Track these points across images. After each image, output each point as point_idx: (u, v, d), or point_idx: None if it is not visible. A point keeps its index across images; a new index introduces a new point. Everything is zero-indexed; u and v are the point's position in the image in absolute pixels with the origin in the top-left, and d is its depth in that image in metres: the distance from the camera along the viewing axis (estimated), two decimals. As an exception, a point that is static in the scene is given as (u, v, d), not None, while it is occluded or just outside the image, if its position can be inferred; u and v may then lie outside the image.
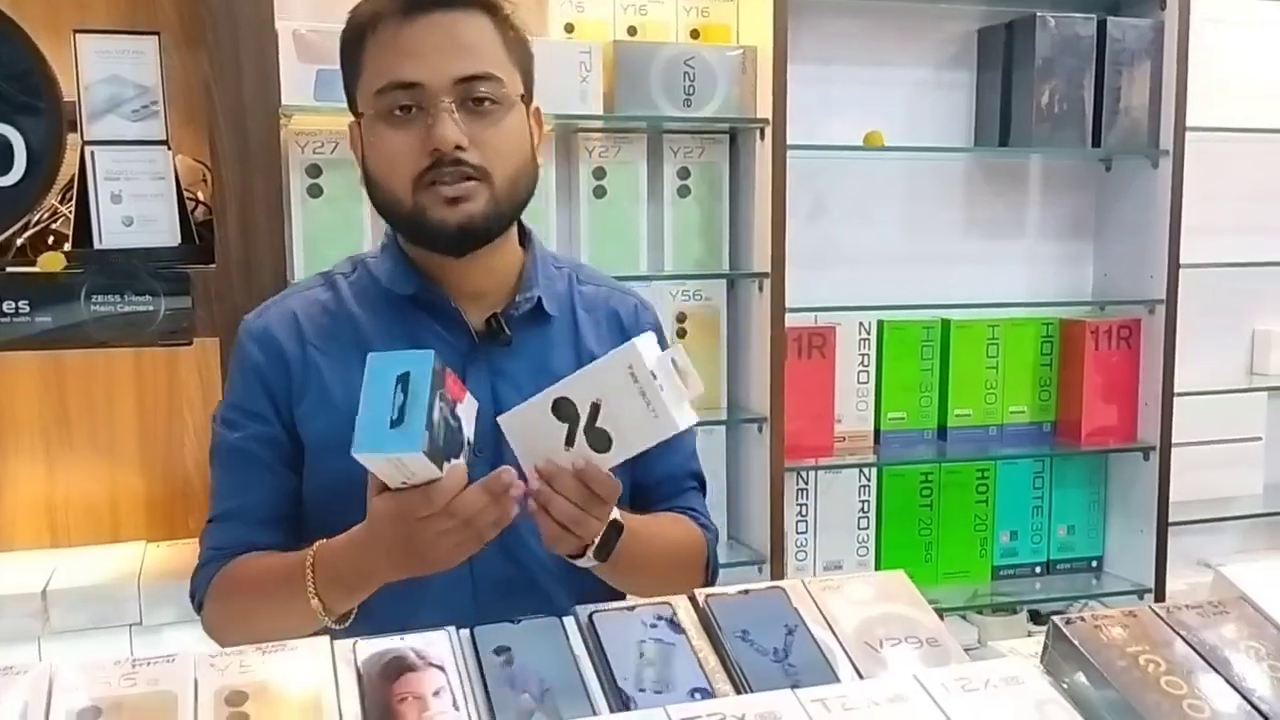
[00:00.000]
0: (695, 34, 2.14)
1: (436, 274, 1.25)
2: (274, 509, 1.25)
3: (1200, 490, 2.45)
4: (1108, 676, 0.84)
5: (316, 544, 1.12)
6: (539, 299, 1.27)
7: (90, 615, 1.78)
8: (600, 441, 1.03)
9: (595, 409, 1.02)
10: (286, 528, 1.25)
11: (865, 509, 2.34)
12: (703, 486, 1.37)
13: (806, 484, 2.30)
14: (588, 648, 0.90)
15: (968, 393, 2.35)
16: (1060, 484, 2.45)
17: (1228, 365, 2.60)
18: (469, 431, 1.03)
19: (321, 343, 1.25)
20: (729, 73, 2.06)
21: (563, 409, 1.04)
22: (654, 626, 0.95)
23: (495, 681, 0.85)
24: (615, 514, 1.10)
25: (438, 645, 0.87)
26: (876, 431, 2.33)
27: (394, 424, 0.96)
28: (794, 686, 0.86)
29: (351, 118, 1.24)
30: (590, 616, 0.92)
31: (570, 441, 1.03)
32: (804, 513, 2.30)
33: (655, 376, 0.99)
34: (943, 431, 2.35)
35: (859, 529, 2.34)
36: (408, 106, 1.17)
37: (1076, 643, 0.87)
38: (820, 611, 1.00)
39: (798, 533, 2.30)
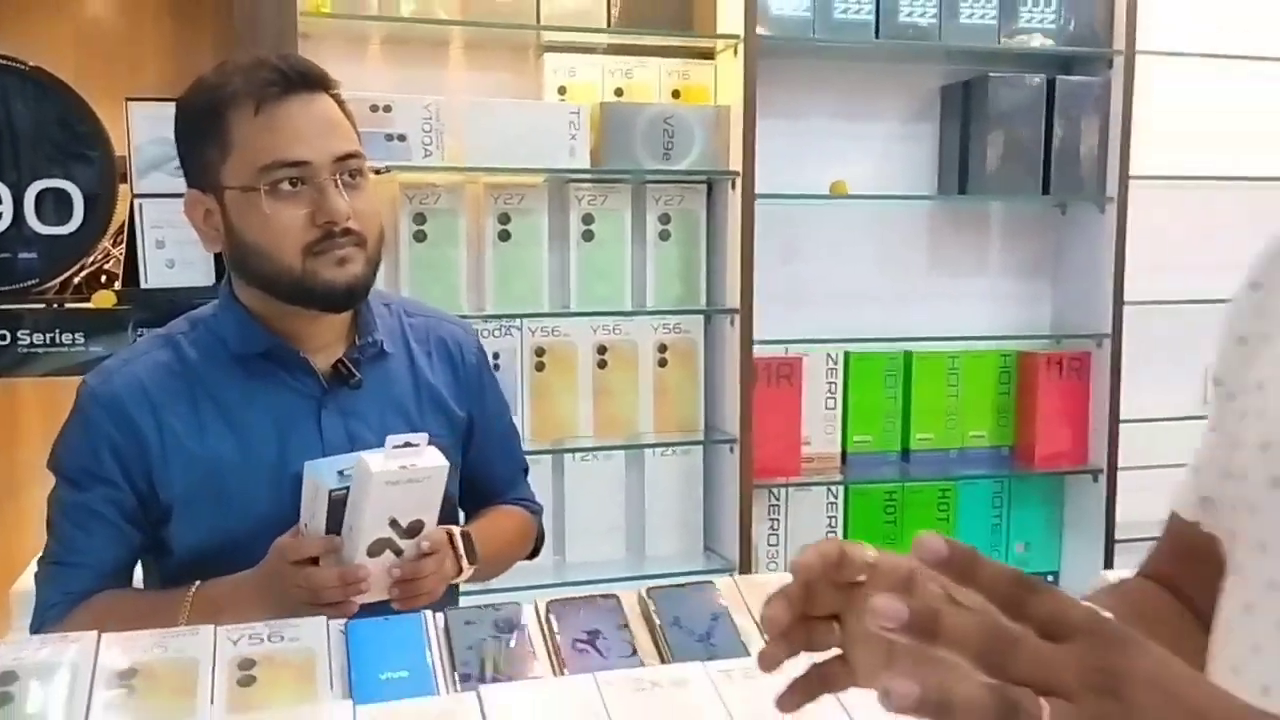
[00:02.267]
0: (676, 94, 2.34)
1: (284, 329, 1.32)
2: (117, 562, 1.32)
3: (1151, 511, 2.59)
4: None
5: (195, 585, 1.25)
6: (381, 340, 1.36)
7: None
8: (415, 528, 1.21)
9: (394, 522, 1.19)
10: (126, 578, 1.35)
11: (833, 524, 2.52)
12: (526, 473, 1.59)
13: (778, 500, 2.49)
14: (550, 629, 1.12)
15: (929, 418, 2.53)
16: (1018, 503, 2.61)
17: (1182, 394, 2.74)
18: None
19: (173, 407, 1.30)
20: (705, 129, 2.26)
21: (382, 536, 1.20)
22: (605, 611, 1.16)
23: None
24: (457, 529, 1.28)
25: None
26: (844, 453, 2.51)
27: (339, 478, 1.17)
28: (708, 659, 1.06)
29: (198, 195, 1.29)
30: (549, 604, 1.13)
31: (396, 551, 1.21)
32: (775, 527, 2.49)
33: (399, 464, 1.16)
34: (906, 454, 2.53)
35: (827, 542, 2.51)
36: (294, 181, 1.24)
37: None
38: (745, 602, 1.20)
39: (769, 545, 2.48)
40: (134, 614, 1.18)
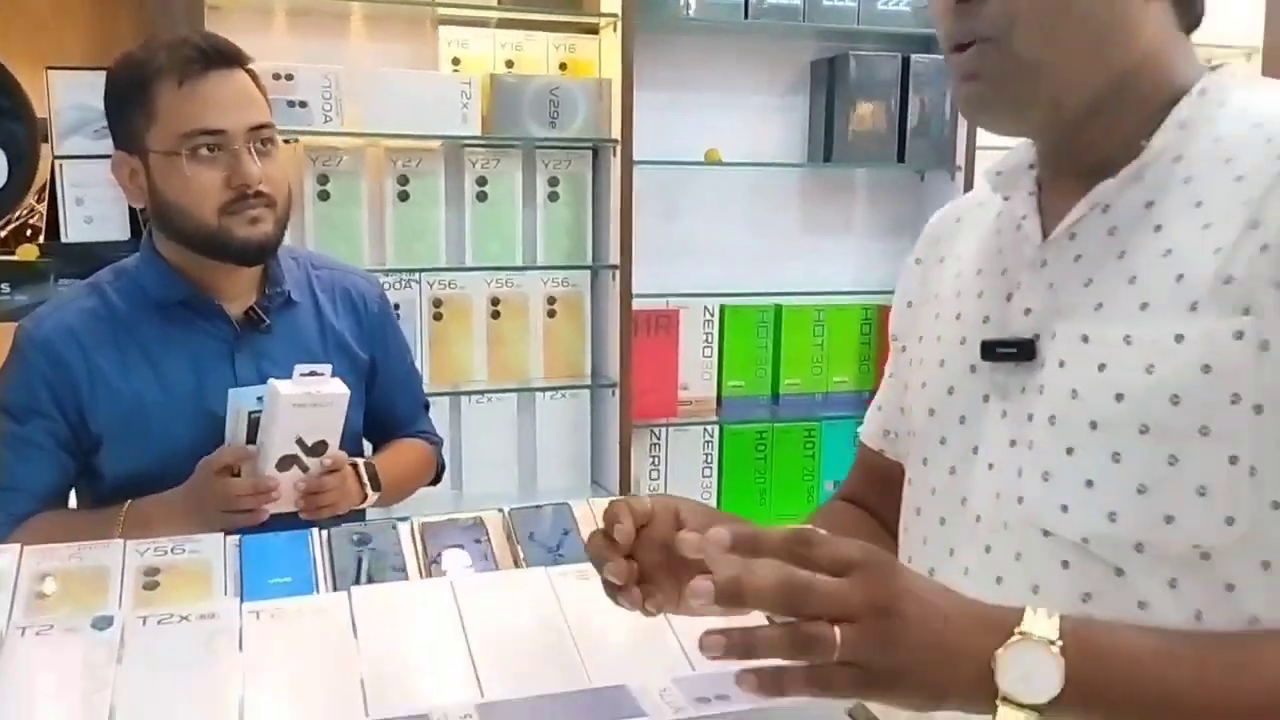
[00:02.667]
0: (563, 66, 2.53)
1: (201, 279, 1.47)
2: (54, 486, 1.47)
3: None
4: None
5: (127, 503, 1.42)
6: (288, 290, 1.54)
7: None
8: (319, 448, 1.41)
9: (300, 441, 1.39)
10: (62, 501, 1.50)
11: (709, 462, 2.76)
12: (427, 409, 1.79)
13: (659, 440, 2.73)
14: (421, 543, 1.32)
15: (797, 365, 2.78)
16: (877, 443, 2.88)
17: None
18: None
19: (100, 349, 1.45)
20: (588, 100, 2.46)
21: (289, 453, 1.40)
22: (469, 529, 1.38)
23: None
24: (361, 460, 1.49)
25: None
26: (719, 397, 2.75)
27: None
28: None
29: (124, 155, 1.44)
30: (422, 524, 1.34)
31: (303, 468, 1.41)
32: (657, 464, 2.73)
33: (305, 390, 1.36)
34: (776, 398, 2.78)
35: (703, 478, 2.77)
36: (212, 148, 1.40)
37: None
38: (596, 521, 1.41)
39: (650, 480, 2.73)
40: (72, 530, 1.31)
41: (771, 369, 2.77)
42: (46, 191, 2.15)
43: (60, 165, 2.13)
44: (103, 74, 2.15)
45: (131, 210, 2.19)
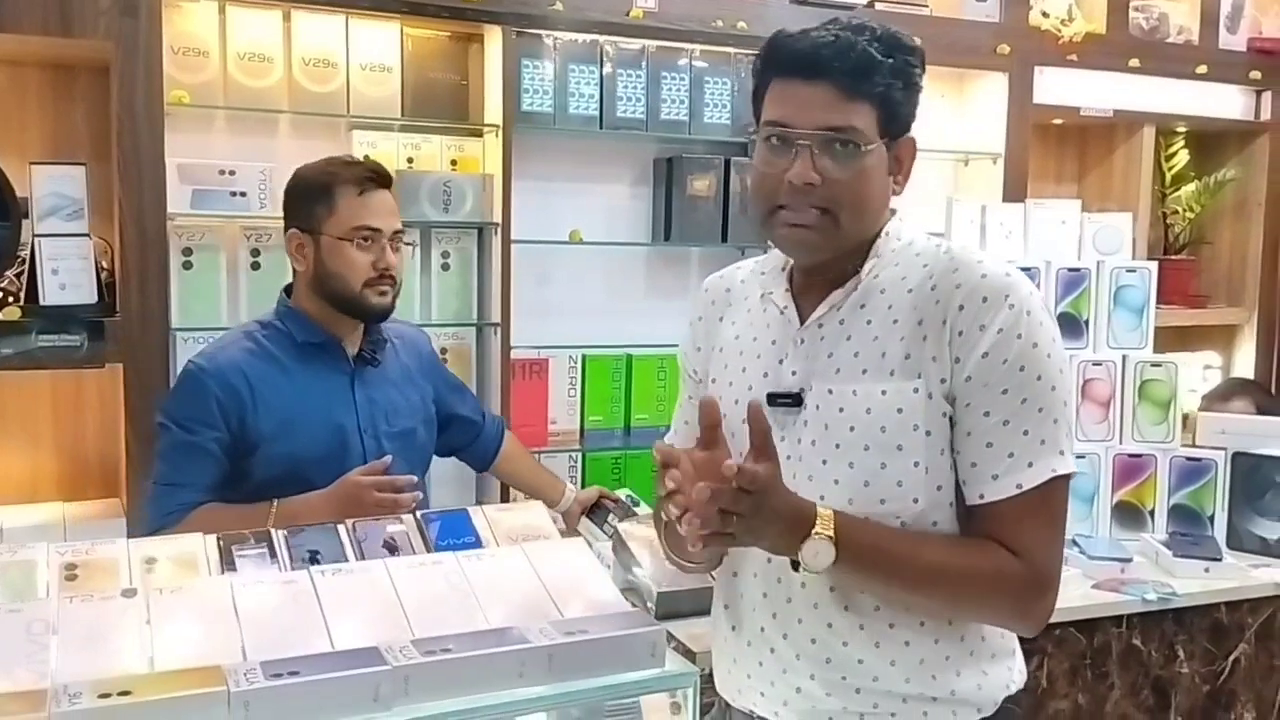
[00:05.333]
0: (454, 163, 3.02)
1: (331, 328, 2.01)
2: (214, 481, 1.90)
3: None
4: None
5: (276, 501, 1.84)
6: (388, 339, 2.11)
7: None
8: None
9: None
10: (217, 494, 1.90)
11: (575, 481, 3.23)
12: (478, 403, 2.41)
13: (533, 465, 3.20)
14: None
15: (646, 403, 3.30)
16: (710, 467, 3.42)
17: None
18: None
19: (260, 378, 1.94)
20: (474, 190, 2.94)
21: None
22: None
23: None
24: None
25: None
26: (582, 429, 3.25)
27: None
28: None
29: (298, 233, 2.00)
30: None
31: None
32: (530, 485, 3.20)
33: None
34: (628, 429, 3.30)
35: (569, 496, 3.25)
36: (369, 240, 1.97)
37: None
38: (488, 522, 1.81)
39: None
40: (230, 520, 1.61)
41: (624, 406, 3.29)
42: (27, 262, 2.51)
43: (39, 242, 2.51)
44: (75, 168, 2.57)
45: (98, 278, 2.57)
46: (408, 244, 2.19)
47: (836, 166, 1.34)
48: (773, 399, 1.43)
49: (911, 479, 1.36)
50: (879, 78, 1.33)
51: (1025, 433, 1.34)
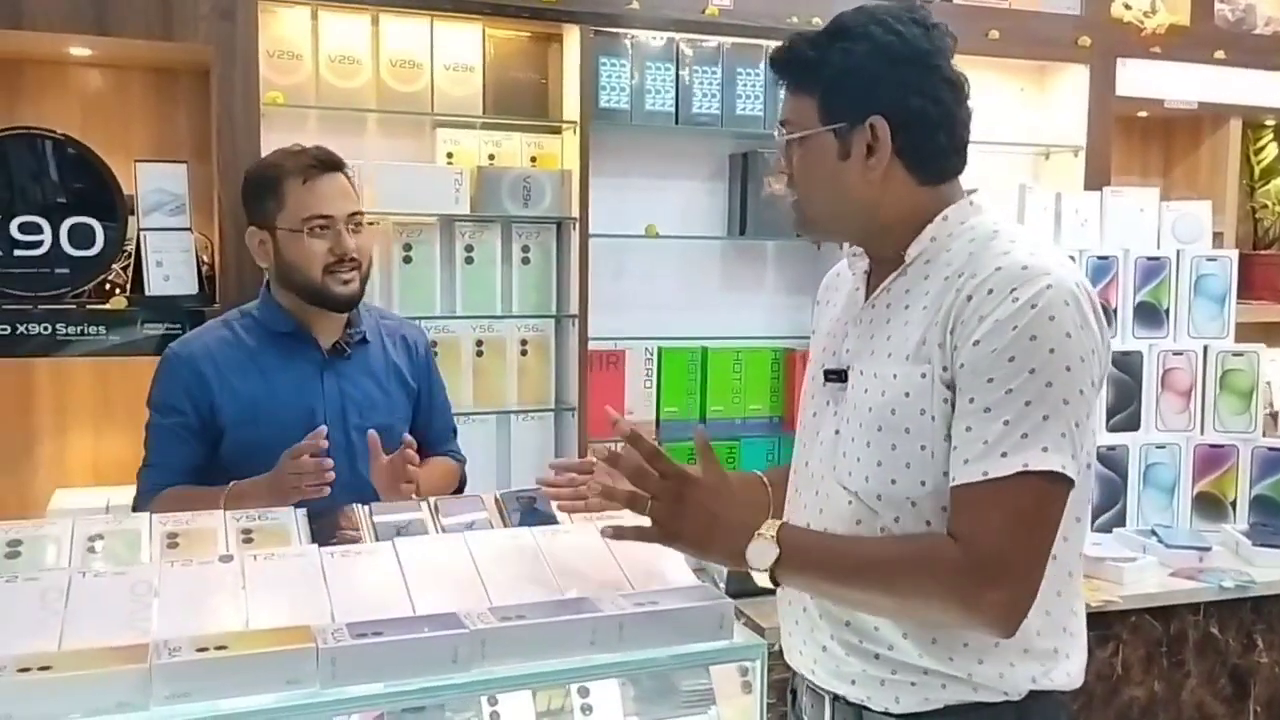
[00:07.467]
0: (533, 159, 3.07)
1: (304, 319, 1.99)
2: (188, 464, 1.93)
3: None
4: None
5: (231, 483, 1.83)
6: (364, 331, 2.07)
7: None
8: None
9: None
10: (195, 476, 1.93)
11: (649, 472, 3.27)
12: (455, 433, 2.27)
13: (609, 455, 3.24)
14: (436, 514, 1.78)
15: (720, 396, 3.31)
16: (784, 457, 3.40)
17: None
18: None
19: (228, 364, 1.95)
20: (554, 186, 2.99)
21: None
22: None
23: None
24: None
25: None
26: (658, 420, 3.28)
27: None
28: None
29: (256, 230, 1.98)
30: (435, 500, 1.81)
31: None
32: (607, 474, 3.24)
33: None
34: (704, 421, 3.30)
35: (645, 485, 3.28)
36: (322, 228, 1.93)
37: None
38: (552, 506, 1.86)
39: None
40: (190, 501, 1.70)
41: (700, 398, 3.31)
42: (133, 255, 2.63)
43: (144, 235, 2.62)
44: (177, 166, 2.68)
45: (199, 270, 2.68)
46: (370, 224, 2.08)
47: (791, 157, 1.47)
48: (827, 375, 1.49)
49: (918, 461, 1.37)
50: (813, 72, 1.43)
51: (1005, 422, 1.28)
